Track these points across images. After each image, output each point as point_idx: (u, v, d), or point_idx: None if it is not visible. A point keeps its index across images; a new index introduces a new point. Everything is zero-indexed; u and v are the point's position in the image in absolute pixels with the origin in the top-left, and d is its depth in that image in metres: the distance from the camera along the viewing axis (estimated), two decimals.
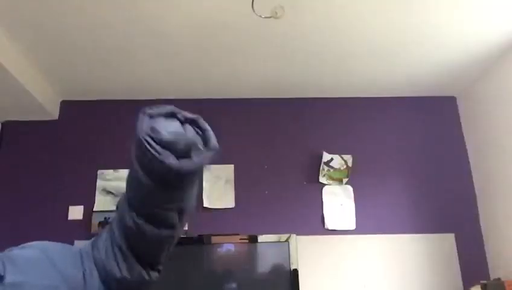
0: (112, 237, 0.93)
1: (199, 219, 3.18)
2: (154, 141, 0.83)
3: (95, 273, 0.89)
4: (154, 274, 0.96)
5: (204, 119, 0.99)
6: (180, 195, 0.91)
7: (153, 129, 0.84)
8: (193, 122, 0.92)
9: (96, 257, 0.91)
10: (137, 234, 0.91)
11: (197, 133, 0.91)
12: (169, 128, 0.85)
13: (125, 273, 0.91)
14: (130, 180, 0.92)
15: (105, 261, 0.91)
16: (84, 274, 0.88)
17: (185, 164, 0.85)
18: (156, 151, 0.83)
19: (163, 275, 0.99)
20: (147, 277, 0.94)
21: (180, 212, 0.93)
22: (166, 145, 0.84)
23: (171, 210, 0.91)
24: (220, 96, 3.49)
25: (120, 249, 0.91)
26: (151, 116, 0.87)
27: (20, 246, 0.88)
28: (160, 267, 0.98)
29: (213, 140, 0.92)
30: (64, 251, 0.92)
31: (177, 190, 0.90)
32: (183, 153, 0.86)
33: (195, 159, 0.87)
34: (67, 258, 0.89)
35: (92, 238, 0.97)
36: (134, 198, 0.92)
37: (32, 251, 0.86)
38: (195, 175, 0.91)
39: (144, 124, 0.85)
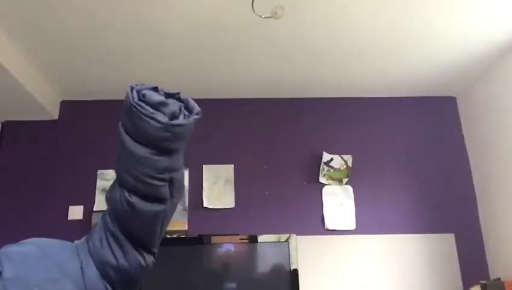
0: (104, 225, 0.95)
1: (199, 219, 3.19)
2: (145, 104, 0.90)
3: (92, 265, 0.91)
4: (150, 258, 0.97)
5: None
6: (169, 163, 0.94)
7: (144, 94, 0.92)
8: (174, 96, 0.98)
9: (91, 249, 0.93)
10: (129, 213, 0.92)
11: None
12: (156, 96, 0.93)
13: (121, 260, 0.92)
14: (120, 154, 0.95)
15: (100, 250, 0.92)
16: (81, 267, 0.89)
17: (175, 121, 0.92)
18: (149, 111, 0.89)
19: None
20: (142, 262, 0.95)
21: (171, 184, 0.95)
22: (157, 107, 0.91)
23: (162, 181, 0.93)
24: (220, 96, 3.49)
25: (113, 235, 0.93)
26: (138, 90, 0.93)
27: (17, 243, 0.89)
28: (155, 250, 0.99)
29: (196, 106, 0.98)
30: (60, 246, 0.93)
31: (166, 156, 0.93)
32: (171, 116, 0.92)
33: (184, 119, 0.94)
34: (64, 252, 0.91)
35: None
36: (124, 171, 0.94)
37: (29, 247, 0.88)
38: (184, 137, 0.95)
39: (133, 94, 0.92)
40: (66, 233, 3.16)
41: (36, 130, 3.40)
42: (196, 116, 0.96)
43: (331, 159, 3.36)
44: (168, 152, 0.93)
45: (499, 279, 2.81)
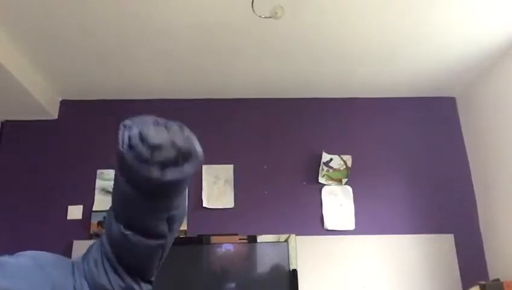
0: (101, 249, 0.91)
1: (198, 219, 3.19)
2: (137, 151, 0.80)
3: (86, 287, 0.87)
4: (147, 287, 0.94)
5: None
6: (167, 204, 0.88)
7: (140, 135, 0.81)
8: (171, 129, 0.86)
9: (85, 270, 0.89)
10: (125, 246, 0.88)
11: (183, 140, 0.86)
12: (153, 138, 0.81)
13: (116, 286, 0.88)
14: (115, 191, 0.90)
15: (95, 273, 0.88)
16: (74, 287, 0.86)
17: (169, 175, 0.82)
18: (136, 165, 0.80)
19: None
20: None
21: (170, 221, 0.90)
22: (152, 151, 0.80)
23: (160, 219, 0.89)
24: (219, 97, 3.49)
25: (109, 261, 0.89)
26: (131, 132, 0.82)
27: (13, 255, 0.86)
28: (153, 279, 0.95)
29: (198, 148, 0.88)
30: (56, 262, 0.90)
31: (164, 199, 0.87)
32: (169, 161, 0.82)
33: (180, 169, 0.83)
34: (59, 269, 0.87)
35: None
36: (120, 209, 0.89)
37: (23, 259, 0.85)
38: (182, 185, 0.88)
39: (124, 137, 0.82)
40: (65, 233, 3.19)
41: (36, 129, 3.40)
42: (195, 166, 0.86)
43: (331, 160, 3.36)
44: (164, 197, 0.87)
45: (498, 279, 2.81)
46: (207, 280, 2.97)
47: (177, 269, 2.87)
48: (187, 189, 0.95)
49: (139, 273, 0.92)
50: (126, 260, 0.90)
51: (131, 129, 0.82)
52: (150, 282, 0.95)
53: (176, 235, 0.95)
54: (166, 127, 0.84)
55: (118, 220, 0.89)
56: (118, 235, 0.88)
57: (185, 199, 0.95)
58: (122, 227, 0.88)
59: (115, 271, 0.89)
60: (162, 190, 0.85)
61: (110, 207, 0.93)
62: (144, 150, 0.80)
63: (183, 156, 0.84)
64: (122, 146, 0.81)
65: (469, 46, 2.93)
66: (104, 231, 0.94)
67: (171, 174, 0.82)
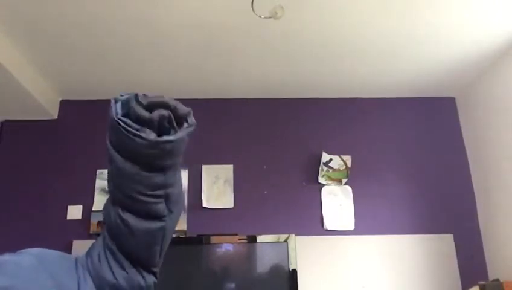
0: (104, 241, 0.90)
1: (198, 219, 3.19)
2: (131, 120, 0.83)
3: (90, 282, 0.86)
4: (151, 278, 0.92)
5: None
6: (163, 179, 0.88)
7: (129, 108, 0.83)
8: (161, 105, 0.87)
9: (89, 264, 0.88)
10: (124, 231, 0.87)
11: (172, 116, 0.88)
12: (141, 111, 0.84)
13: (120, 279, 0.87)
14: (110, 171, 0.89)
15: (98, 267, 0.87)
16: (78, 283, 0.85)
17: (163, 138, 0.84)
18: (134, 128, 0.82)
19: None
20: (142, 282, 0.90)
21: (167, 201, 0.89)
22: (143, 122, 0.83)
23: (157, 197, 0.88)
24: (219, 97, 3.49)
25: (112, 253, 0.88)
26: (123, 102, 0.85)
27: (14, 252, 0.85)
28: (156, 270, 0.94)
29: (188, 116, 0.89)
30: (59, 259, 0.89)
31: (159, 172, 0.87)
32: (158, 131, 0.84)
33: (174, 133, 0.86)
34: (62, 266, 0.86)
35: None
36: (117, 189, 0.89)
37: (25, 257, 0.83)
38: (176, 153, 0.88)
39: (116, 108, 0.84)
40: (64, 233, 3.19)
41: (35, 129, 3.40)
42: (188, 129, 0.88)
43: (330, 160, 3.36)
44: (159, 169, 0.87)
45: (497, 280, 2.81)
46: (207, 280, 2.97)
47: (177, 269, 2.87)
48: (181, 173, 0.96)
49: (141, 263, 0.91)
50: (126, 248, 0.89)
51: (123, 98, 0.85)
52: (153, 273, 0.93)
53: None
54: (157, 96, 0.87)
55: (114, 204, 0.89)
56: (116, 221, 0.88)
57: (180, 180, 0.95)
58: (119, 209, 0.87)
59: (118, 262, 0.88)
60: (158, 158, 0.85)
61: (107, 198, 0.93)
62: (140, 110, 0.82)
63: (178, 116, 0.86)
64: (116, 114, 0.83)
65: (469, 46, 2.93)
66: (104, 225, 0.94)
67: (167, 138, 0.84)
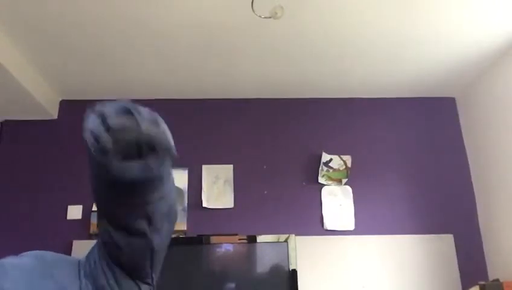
0: (99, 249, 0.89)
1: (198, 219, 3.19)
2: (98, 140, 0.74)
3: (90, 287, 0.86)
4: (146, 288, 0.90)
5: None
6: (140, 201, 0.81)
7: (102, 118, 0.74)
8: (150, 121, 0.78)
9: (87, 270, 0.87)
10: (110, 243, 0.85)
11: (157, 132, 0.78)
12: (105, 140, 0.74)
13: (114, 286, 0.86)
14: (91, 185, 0.86)
15: (95, 273, 0.87)
16: (80, 287, 0.84)
17: (130, 171, 0.74)
18: (99, 157, 0.74)
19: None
20: None
21: (149, 218, 0.83)
22: (115, 140, 0.73)
23: (137, 216, 0.83)
24: (219, 97, 3.49)
25: (106, 260, 0.87)
26: (101, 114, 0.76)
27: (17, 255, 0.85)
28: (150, 281, 0.91)
29: (170, 140, 0.78)
30: (62, 262, 0.88)
31: (134, 196, 0.80)
32: (130, 148, 0.74)
33: (144, 164, 0.75)
34: (64, 269, 0.86)
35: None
36: (98, 204, 0.87)
37: (28, 260, 0.83)
38: (151, 182, 0.80)
39: (90, 123, 0.76)
40: (64, 233, 3.19)
41: (35, 129, 3.40)
42: (163, 158, 0.77)
43: (330, 160, 3.36)
44: (134, 195, 0.81)
45: (497, 280, 2.81)
46: (207, 280, 2.97)
47: (177, 269, 2.87)
48: (173, 183, 0.90)
49: (134, 274, 0.89)
50: (115, 259, 0.87)
51: (95, 113, 0.76)
52: (148, 284, 0.91)
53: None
54: (135, 112, 0.76)
55: (100, 216, 0.87)
56: (103, 233, 0.86)
57: (167, 196, 0.87)
58: (105, 222, 0.85)
59: (111, 271, 0.87)
60: (127, 187, 0.78)
61: None
62: (105, 136, 0.73)
63: (149, 144, 0.75)
64: (85, 133, 0.75)
65: (469, 46, 2.93)
66: None
67: (131, 171, 0.74)
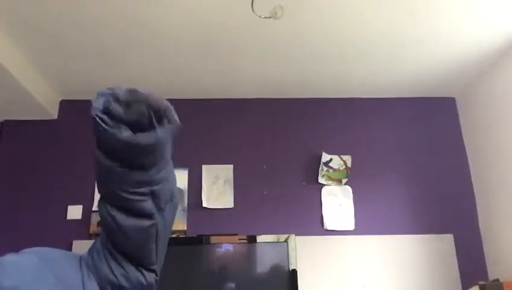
0: (101, 239, 0.90)
1: (198, 219, 3.19)
2: (107, 115, 0.82)
3: (93, 279, 0.86)
4: (151, 276, 0.91)
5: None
6: (146, 177, 0.86)
7: (114, 95, 0.84)
8: (142, 101, 0.87)
9: (90, 263, 0.88)
10: (114, 228, 0.87)
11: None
12: (118, 109, 0.83)
13: (121, 279, 0.87)
14: (96, 170, 0.89)
15: (99, 264, 0.87)
16: (82, 280, 0.85)
17: (141, 137, 0.82)
18: (110, 126, 0.81)
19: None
20: (143, 281, 0.89)
21: (155, 198, 0.88)
22: (121, 119, 0.82)
23: (141, 195, 0.87)
24: (219, 97, 3.49)
25: (108, 250, 0.88)
26: (105, 97, 0.85)
27: (17, 252, 0.85)
28: (154, 267, 0.92)
29: (169, 113, 0.86)
30: (63, 257, 0.89)
31: (140, 170, 0.85)
32: (141, 117, 0.83)
33: (152, 133, 0.83)
34: (66, 264, 0.87)
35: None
36: (103, 188, 0.89)
37: (28, 257, 0.84)
38: (157, 151, 0.86)
39: (97, 103, 0.84)
40: (64, 233, 3.19)
41: (35, 129, 3.40)
42: (167, 128, 0.85)
43: (330, 160, 3.36)
44: (140, 167, 0.85)
45: (497, 280, 2.81)
46: (207, 280, 2.97)
47: (177, 269, 2.87)
48: (173, 170, 0.94)
49: (137, 260, 0.90)
50: (120, 246, 0.88)
51: (106, 92, 0.85)
52: (153, 271, 0.92)
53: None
54: (138, 90, 0.87)
55: (103, 201, 0.89)
56: (106, 217, 0.87)
57: (169, 177, 0.92)
58: (108, 206, 0.87)
59: (115, 260, 0.88)
60: (135, 155, 0.83)
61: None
62: (116, 107, 0.82)
63: (157, 115, 0.84)
64: (94, 111, 0.83)
65: (469, 46, 2.93)
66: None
67: (143, 137, 0.82)
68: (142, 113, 0.83)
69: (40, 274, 0.80)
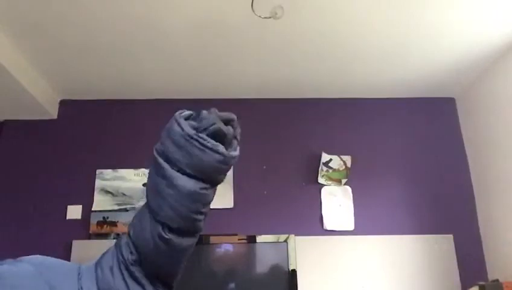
0: (118, 256, 0.89)
1: None
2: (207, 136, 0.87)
3: None
4: None
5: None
6: (212, 196, 0.91)
7: (204, 128, 0.91)
8: (228, 123, 0.97)
9: (99, 277, 0.87)
10: (161, 250, 0.86)
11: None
12: (223, 127, 0.94)
13: None
14: (160, 189, 0.86)
15: (111, 281, 0.86)
16: None
17: (234, 153, 0.91)
18: (212, 144, 0.86)
19: None
20: None
21: (206, 217, 0.92)
22: (219, 138, 0.89)
23: (204, 214, 0.91)
24: (219, 96, 3.49)
25: (127, 269, 0.87)
26: (185, 118, 0.92)
27: (13, 260, 0.84)
28: (174, 285, 0.94)
29: (238, 132, 0.99)
30: (60, 267, 0.88)
31: (214, 188, 0.90)
32: (231, 138, 0.94)
33: (234, 149, 0.92)
34: (62, 275, 0.85)
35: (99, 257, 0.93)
36: (168, 207, 0.86)
37: (24, 266, 0.83)
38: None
39: (183, 125, 0.89)
40: (64, 233, 3.19)
41: (35, 129, 3.40)
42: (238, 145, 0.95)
43: (330, 160, 3.36)
44: (216, 184, 0.90)
45: (497, 280, 2.81)
46: (206, 280, 2.97)
47: None
48: None
49: (164, 279, 0.90)
50: (156, 267, 0.88)
51: (186, 114, 0.95)
52: (170, 288, 0.94)
53: None
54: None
55: (158, 223, 0.87)
56: (154, 240, 0.86)
57: None
58: (160, 229, 0.86)
59: (135, 281, 0.87)
60: (224, 171, 0.89)
61: (140, 211, 0.91)
62: (223, 126, 0.93)
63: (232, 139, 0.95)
64: (189, 132, 0.87)
65: (469, 46, 2.93)
66: (121, 237, 0.92)
67: (234, 153, 0.91)
68: (233, 133, 0.95)
69: (35, 284, 0.80)
